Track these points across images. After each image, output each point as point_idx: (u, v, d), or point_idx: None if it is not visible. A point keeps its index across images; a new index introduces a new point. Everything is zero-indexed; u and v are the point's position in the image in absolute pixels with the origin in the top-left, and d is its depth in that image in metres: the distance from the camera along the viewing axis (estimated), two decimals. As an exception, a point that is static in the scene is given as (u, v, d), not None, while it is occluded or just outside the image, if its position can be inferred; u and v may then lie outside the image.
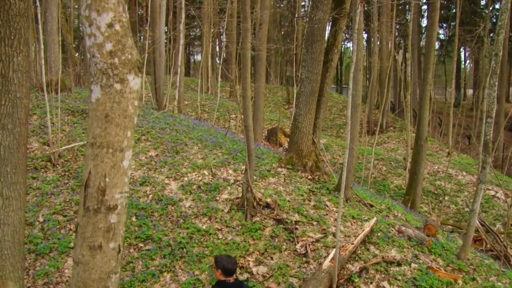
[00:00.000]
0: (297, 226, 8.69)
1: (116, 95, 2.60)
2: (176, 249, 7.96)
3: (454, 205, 16.09)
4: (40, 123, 12.17)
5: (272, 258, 7.87)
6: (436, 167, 19.22)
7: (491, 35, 27.05)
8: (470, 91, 42.76)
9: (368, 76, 31.28)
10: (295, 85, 17.32)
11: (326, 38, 11.48)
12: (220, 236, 8.39)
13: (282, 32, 40.67)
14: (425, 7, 38.18)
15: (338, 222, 6.96)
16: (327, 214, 9.30)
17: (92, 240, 2.70)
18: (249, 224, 8.66)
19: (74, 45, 20.62)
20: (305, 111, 10.94)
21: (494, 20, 31.33)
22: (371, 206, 10.44)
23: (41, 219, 8.68)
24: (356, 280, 7.31)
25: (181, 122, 14.35)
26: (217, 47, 37.01)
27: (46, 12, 15.27)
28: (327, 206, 9.62)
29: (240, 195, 9.35)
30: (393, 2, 17.73)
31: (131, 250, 8.07)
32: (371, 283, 7.34)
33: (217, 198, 9.57)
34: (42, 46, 11.11)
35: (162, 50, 17.41)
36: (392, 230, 9.08)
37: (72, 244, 8.07)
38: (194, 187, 9.94)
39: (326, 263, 7.26)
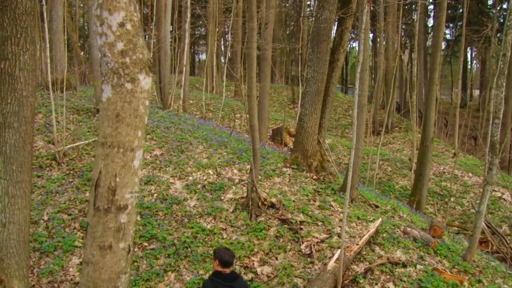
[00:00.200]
0: (302, 226, 8.67)
1: (127, 95, 2.58)
2: (180, 249, 7.94)
3: (460, 207, 16.01)
4: (45, 121, 12.20)
5: (276, 258, 7.85)
6: (442, 168, 19.13)
7: (498, 35, 26.91)
8: (476, 92, 42.57)
9: (373, 76, 31.20)
10: (300, 84, 17.27)
11: (332, 38, 11.44)
12: (225, 236, 8.37)
13: (288, 32, 40.63)
14: (431, 7, 38.07)
15: (343, 222, 6.93)
16: (332, 215, 9.26)
17: (102, 240, 2.69)
18: (254, 224, 8.64)
19: (79, 44, 20.65)
20: (311, 111, 10.90)
21: (502, 20, 31.15)
22: (377, 206, 10.40)
23: (45, 218, 8.69)
24: (361, 281, 7.28)
25: (186, 121, 14.35)
26: (222, 46, 37.01)
27: (51, 11, 15.30)
28: (332, 207, 9.59)
29: (245, 194, 9.32)
30: (399, 2, 17.66)
31: (136, 249, 8.07)
32: (376, 284, 7.31)
33: (222, 197, 9.55)
34: (48, 45, 11.12)
35: (167, 49, 17.39)
36: (397, 231, 9.04)
37: (77, 243, 8.08)
38: (199, 186, 9.93)
39: (331, 264, 7.23)
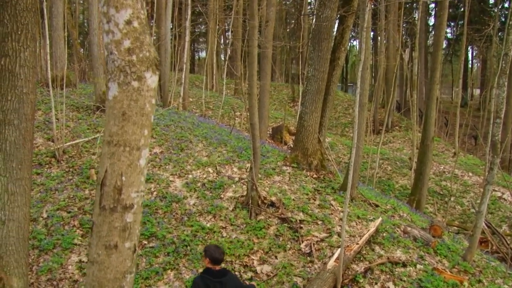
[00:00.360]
0: (301, 225, 8.65)
1: (133, 93, 2.55)
2: (180, 247, 7.92)
3: (460, 206, 15.99)
4: (45, 118, 12.17)
5: (276, 257, 7.83)
6: (442, 167, 19.11)
7: (499, 34, 26.86)
8: (477, 91, 42.52)
9: (373, 75, 31.18)
10: (300, 83, 17.23)
11: (333, 36, 11.40)
12: (225, 234, 8.35)
13: (288, 30, 40.57)
14: (432, 5, 38.02)
15: (343, 221, 6.91)
16: (332, 214, 9.24)
17: (107, 240, 2.66)
18: (254, 222, 8.62)
19: (79, 41, 20.59)
20: (311, 110, 10.87)
21: (503, 19, 31.11)
22: (377, 206, 10.38)
23: (44, 215, 8.66)
24: (361, 281, 7.27)
25: (186, 119, 14.32)
26: (222, 44, 36.95)
27: (52, 7, 15.26)
28: (332, 206, 9.57)
29: (244, 193, 9.30)
30: (401, 0, 17.61)
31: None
32: (376, 283, 7.29)
33: (222, 196, 9.53)
34: (48, 42, 11.08)
35: (167, 47, 17.36)
36: (397, 231, 9.02)
37: (76, 241, 8.07)
38: (199, 184, 9.90)
39: (331, 263, 7.21)
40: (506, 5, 31.11)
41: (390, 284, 7.32)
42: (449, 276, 7.68)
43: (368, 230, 8.48)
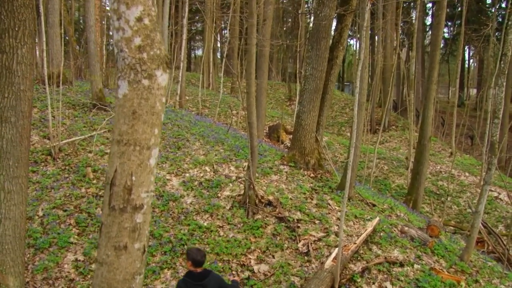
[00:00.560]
0: (299, 225, 8.62)
1: (144, 91, 2.50)
2: (177, 246, 7.89)
3: (456, 206, 16.01)
4: (41, 116, 12.08)
5: (273, 257, 7.80)
6: (439, 167, 19.13)
7: (496, 34, 26.86)
8: (473, 91, 42.58)
9: (370, 74, 31.16)
10: (298, 81, 17.20)
11: (331, 35, 11.37)
12: (222, 233, 8.32)
13: (284, 28, 40.52)
14: (429, 5, 38.06)
15: (341, 221, 6.89)
16: (329, 213, 9.22)
17: (117, 240, 2.61)
18: (251, 221, 8.59)
19: (74, 38, 20.46)
20: (309, 109, 10.84)
21: (500, 19, 31.14)
22: (374, 205, 10.37)
23: (40, 213, 8.59)
24: (359, 280, 7.25)
25: (183, 118, 14.26)
26: (219, 42, 36.88)
27: (48, 4, 15.15)
28: (330, 205, 9.55)
29: (242, 192, 9.27)
30: (399, 0, 17.60)
31: (132, 246, 8.00)
32: (374, 283, 7.28)
33: (219, 195, 9.49)
34: (44, 39, 11.00)
35: (165, 44, 17.27)
36: (394, 230, 9.01)
37: (72, 239, 8.01)
38: (196, 183, 9.86)
39: (328, 263, 7.20)
40: (503, 5, 31.17)
41: (388, 284, 7.30)
42: (447, 276, 7.68)
43: (366, 230, 8.46)
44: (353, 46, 50.31)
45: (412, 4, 34.09)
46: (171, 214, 8.81)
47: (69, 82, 16.14)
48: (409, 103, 18.44)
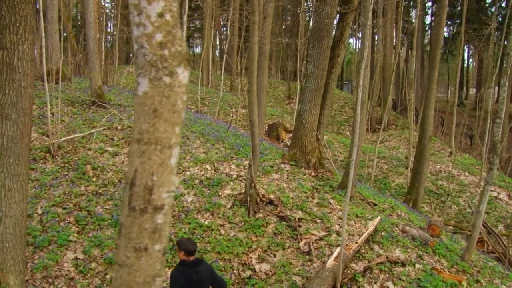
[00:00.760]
0: (300, 224, 8.58)
1: (165, 89, 2.44)
2: (177, 245, 7.82)
3: (456, 206, 15.99)
4: (39, 113, 12.01)
5: (275, 256, 7.76)
6: (438, 166, 19.11)
7: (496, 33, 26.84)
8: (472, 90, 42.59)
9: (369, 73, 31.02)
10: (298, 80, 17.15)
11: (332, 34, 11.32)
12: (223, 232, 8.27)
13: (284, 26, 40.43)
14: (429, 4, 38.05)
15: (344, 220, 6.85)
16: (330, 212, 9.18)
17: (137, 242, 2.55)
18: (252, 220, 8.54)
19: (72, 34, 20.37)
20: (310, 107, 10.80)
21: (500, 19, 31.11)
22: (375, 205, 10.34)
23: (39, 211, 8.54)
24: (360, 280, 7.22)
25: (183, 115, 14.17)
26: (218, 40, 36.81)
27: (46, 0, 15.06)
28: (331, 204, 9.51)
29: (243, 190, 9.22)
30: (399, -1, 17.58)
31: (132, 245, 7.94)
32: (375, 283, 7.25)
33: (220, 193, 9.44)
34: (44, 35, 10.92)
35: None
36: (396, 230, 8.98)
37: (72, 237, 7.96)
38: (196, 181, 9.81)
39: (330, 262, 7.16)
40: (503, 4, 31.16)
41: (389, 284, 7.27)
42: (448, 276, 7.65)
43: (367, 229, 8.43)
44: (352, 44, 50.29)
45: (411, 3, 34.08)
46: (171, 213, 8.75)
47: (67, 79, 16.06)
48: (409, 102, 18.40)
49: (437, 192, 16.84)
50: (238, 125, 18.81)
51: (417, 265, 7.80)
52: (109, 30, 35.24)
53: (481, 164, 18.41)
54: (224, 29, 38.81)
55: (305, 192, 9.79)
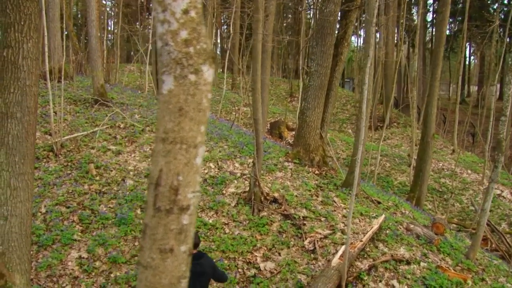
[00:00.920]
0: (305, 222, 8.56)
1: (190, 87, 2.40)
2: (182, 243, 7.80)
3: (458, 204, 15.96)
4: (42, 111, 11.99)
5: (280, 254, 7.74)
6: (441, 164, 19.07)
7: (499, 30, 26.72)
8: (474, 88, 42.50)
9: (373, 71, 30.89)
10: (301, 78, 17.12)
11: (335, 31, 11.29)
12: (227, 231, 8.25)
13: (285, 24, 40.37)
14: (430, 1, 37.95)
15: (349, 218, 6.83)
16: (335, 210, 9.16)
17: (163, 243, 2.51)
18: (257, 218, 8.52)
19: (74, 32, 20.34)
20: (314, 105, 10.77)
21: (502, 16, 31.01)
22: (379, 203, 10.31)
23: (43, 210, 8.52)
24: (366, 278, 7.20)
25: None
26: (218, 38, 36.77)
27: (48, -2, 15.03)
28: (335, 202, 9.49)
29: (247, 189, 9.20)
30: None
31: (136, 243, 7.94)
32: (380, 281, 7.23)
33: (224, 191, 9.42)
34: (46, 33, 10.89)
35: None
36: (400, 228, 8.95)
37: (76, 236, 7.94)
38: (200, 180, 9.77)
39: (335, 260, 7.14)
40: (505, 1, 31.04)
41: (395, 282, 7.25)
42: (453, 274, 7.63)
43: (372, 227, 8.41)
44: (353, 42, 50.18)
45: (413, 0, 33.99)
46: (196, 213, 8.73)
47: (69, 77, 16.03)
48: (411, 100, 18.35)
49: (440, 190, 16.81)
50: (241, 123, 18.79)
51: (422, 263, 7.78)
52: (109, 28, 35.22)
53: (484, 162, 18.37)
54: (225, 27, 38.77)
55: (309, 190, 9.76)
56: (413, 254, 8.01)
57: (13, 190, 5.33)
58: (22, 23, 5.27)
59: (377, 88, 27.12)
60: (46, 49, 10.87)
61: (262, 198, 8.85)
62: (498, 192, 16.20)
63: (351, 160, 10.59)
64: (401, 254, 7.97)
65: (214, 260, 7.34)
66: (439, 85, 14.64)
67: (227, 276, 5.80)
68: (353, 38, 47.84)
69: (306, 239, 8.09)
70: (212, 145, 11.47)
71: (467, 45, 39.16)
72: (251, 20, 10.39)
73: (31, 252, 7.45)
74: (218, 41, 36.66)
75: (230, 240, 7.94)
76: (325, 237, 8.20)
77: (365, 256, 7.79)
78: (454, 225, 13.43)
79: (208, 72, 2.43)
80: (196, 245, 5.11)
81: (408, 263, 7.73)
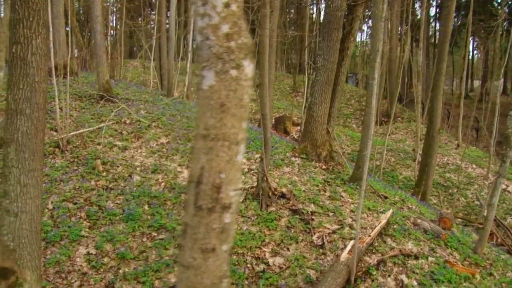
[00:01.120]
0: (313, 217, 8.55)
1: (232, 82, 2.36)
2: (190, 239, 7.80)
3: (463, 198, 15.94)
4: (47, 108, 11.93)
5: (288, 249, 7.73)
6: (446, 159, 19.03)
7: (504, 24, 26.59)
8: (477, 83, 42.33)
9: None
10: (306, 73, 17.07)
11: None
12: (235, 226, 8.23)
13: (288, 19, 40.23)
14: (433, -4, 37.75)
15: (358, 213, 6.82)
16: (342, 205, 9.15)
17: (204, 242, 2.48)
18: (265, 214, 8.51)
19: (77, 28, 20.32)
20: (320, 100, 10.75)
21: (507, 10, 30.82)
22: (386, 197, 10.30)
23: (50, 206, 8.52)
24: (374, 273, 7.18)
25: (191, 109, 14.10)
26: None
27: (52, -7, 14.99)
28: (343, 197, 9.48)
29: (254, 184, 9.19)
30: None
31: (144, 239, 7.94)
32: (389, 276, 7.22)
33: (231, 187, 9.39)
34: (51, 29, 10.85)
35: (172, 35, 17.03)
36: (407, 223, 8.94)
37: (83, 233, 7.94)
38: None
39: (344, 255, 7.13)
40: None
41: (403, 277, 7.24)
42: (461, 269, 7.62)
43: (380, 222, 8.40)
44: (357, 37, 50.00)
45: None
46: (183, 207, 8.73)
47: (74, 73, 16.01)
48: (416, 95, 18.29)
49: (445, 184, 16.78)
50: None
51: (430, 258, 7.77)
52: (112, 24, 35.13)
53: (488, 157, 18.33)
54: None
55: (317, 185, 9.75)
56: (421, 249, 8.00)
57: (23, 186, 5.32)
58: (30, 19, 5.25)
59: (381, 83, 27.07)
60: (51, 45, 10.85)
61: (270, 193, 8.84)
62: (504, 186, 16.16)
63: (359, 156, 10.56)
64: (409, 248, 7.96)
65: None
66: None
67: None
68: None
69: (314, 234, 8.09)
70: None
71: (470, 39, 39.01)
72: (255, 15, 10.34)
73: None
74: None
75: (239, 236, 7.93)
76: (334, 232, 8.19)
77: (373, 251, 7.78)
78: (460, 220, 13.41)
79: (249, 67, 2.39)
80: None
81: (416, 257, 7.71)
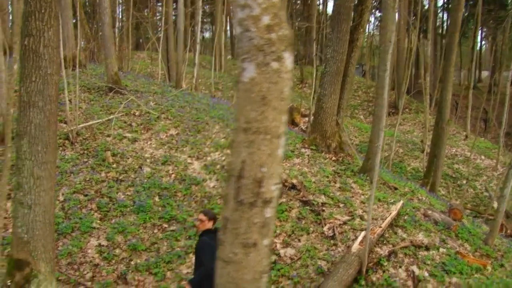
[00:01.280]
0: (323, 208, 8.54)
1: (273, 75, 2.32)
2: (201, 230, 7.82)
3: (472, 189, 15.87)
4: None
5: (299, 240, 7.74)
6: (454, 150, 18.94)
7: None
8: (485, 73, 41.95)
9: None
10: (315, 64, 16.99)
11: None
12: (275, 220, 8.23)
13: (294, 10, 40.04)
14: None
15: (370, 204, 6.81)
16: (353, 196, 9.13)
17: (246, 237, 2.46)
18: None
19: (85, 21, 20.28)
20: (330, 91, 10.70)
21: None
22: (396, 189, 10.26)
23: (61, 198, 8.56)
24: (385, 264, 7.19)
25: (200, 101, 14.06)
26: (229, 25, 36.55)
27: (60, -14, 14.98)
28: (353, 188, 9.46)
29: (264, 176, 9.17)
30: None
31: (155, 231, 7.97)
32: (400, 267, 7.22)
33: (241, 178, 9.38)
34: (60, 22, 10.84)
35: (180, 26, 16.95)
36: (418, 214, 8.91)
37: (94, 224, 7.99)
38: (218, 167, 9.77)
39: (355, 246, 7.14)
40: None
41: (414, 268, 7.23)
42: (472, 260, 7.59)
43: (390, 213, 8.38)
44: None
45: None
46: (194, 198, 8.75)
47: (83, 65, 16.02)
48: (424, 86, 18.17)
49: (454, 175, 16.71)
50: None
51: (441, 249, 7.75)
52: (118, 16, 35.08)
53: (497, 148, 18.23)
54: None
55: (327, 177, 9.73)
56: (432, 240, 7.98)
57: (36, 179, 5.35)
58: (42, 11, 5.25)
59: (390, 74, 26.84)
60: (60, 37, 10.84)
61: (281, 184, 8.82)
62: None
63: (369, 147, 10.51)
64: (420, 240, 7.94)
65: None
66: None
67: None
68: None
69: (325, 225, 8.09)
70: (228, 132, 11.43)
71: (479, 29, 38.69)
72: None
73: (52, 240, 7.51)
74: (228, 28, 36.42)
75: (249, 227, 7.93)
76: (344, 223, 8.18)
77: (384, 242, 7.77)
78: (469, 211, 13.36)
79: (289, 60, 2.35)
80: (217, 220, 5.37)
81: (427, 249, 7.70)
